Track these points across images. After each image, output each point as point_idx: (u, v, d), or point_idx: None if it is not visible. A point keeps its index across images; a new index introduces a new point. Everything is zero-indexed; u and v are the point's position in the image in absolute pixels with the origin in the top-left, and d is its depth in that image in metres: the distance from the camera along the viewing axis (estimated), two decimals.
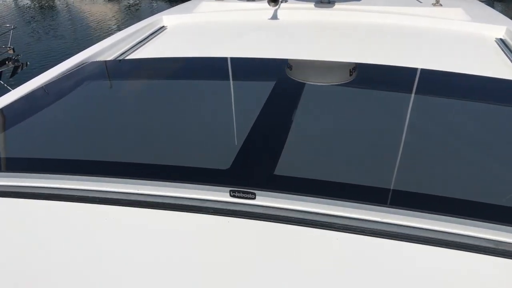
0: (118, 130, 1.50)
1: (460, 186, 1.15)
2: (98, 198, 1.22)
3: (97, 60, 2.38)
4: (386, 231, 1.07)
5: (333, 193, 1.10)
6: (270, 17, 3.05)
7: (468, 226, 1.05)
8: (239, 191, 1.13)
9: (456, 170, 1.21)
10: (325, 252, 1.01)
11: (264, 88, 1.76)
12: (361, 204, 1.09)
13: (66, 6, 20.30)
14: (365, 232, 1.06)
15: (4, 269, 1.01)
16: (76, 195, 1.24)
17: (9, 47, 9.48)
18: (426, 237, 1.05)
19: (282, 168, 1.20)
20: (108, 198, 1.22)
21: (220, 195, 1.15)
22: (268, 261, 0.99)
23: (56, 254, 1.04)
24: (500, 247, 1.02)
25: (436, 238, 1.04)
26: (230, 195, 1.14)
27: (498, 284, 0.92)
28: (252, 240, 1.05)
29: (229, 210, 1.14)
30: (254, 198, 1.13)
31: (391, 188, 1.13)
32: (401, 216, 1.08)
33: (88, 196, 1.23)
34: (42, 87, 1.99)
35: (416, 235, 1.05)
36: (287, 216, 1.11)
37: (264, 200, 1.13)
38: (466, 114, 1.58)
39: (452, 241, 1.04)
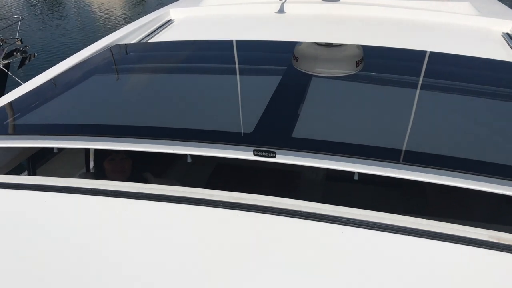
0: (151, 100, 1.72)
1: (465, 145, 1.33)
2: (110, 191, 1.27)
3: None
4: (390, 224, 1.10)
5: (344, 151, 1.27)
6: (277, 10, 3.06)
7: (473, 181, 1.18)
8: (261, 150, 1.30)
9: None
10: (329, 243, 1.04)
11: (281, 68, 1.95)
12: (369, 161, 1.24)
13: None
14: (370, 226, 1.10)
15: (17, 262, 1.04)
16: (88, 188, 1.29)
17: (17, 38, 9.52)
18: (429, 231, 1.07)
19: (299, 131, 1.39)
20: (120, 191, 1.27)
21: (246, 154, 1.32)
22: (270, 254, 1.03)
23: (68, 247, 1.08)
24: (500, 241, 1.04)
25: (440, 233, 1.08)
26: (254, 154, 1.31)
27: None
28: (257, 232, 1.09)
29: (236, 203, 1.20)
30: (274, 157, 1.30)
31: (403, 148, 1.29)
32: (408, 172, 1.21)
33: (99, 189, 1.28)
34: (61, 73, 2.13)
35: (416, 229, 1.08)
36: (289, 210, 1.17)
37: (283, 158, 1.30)
38: (467, 95, 1.69)
39: (456, 236, 1.07)
